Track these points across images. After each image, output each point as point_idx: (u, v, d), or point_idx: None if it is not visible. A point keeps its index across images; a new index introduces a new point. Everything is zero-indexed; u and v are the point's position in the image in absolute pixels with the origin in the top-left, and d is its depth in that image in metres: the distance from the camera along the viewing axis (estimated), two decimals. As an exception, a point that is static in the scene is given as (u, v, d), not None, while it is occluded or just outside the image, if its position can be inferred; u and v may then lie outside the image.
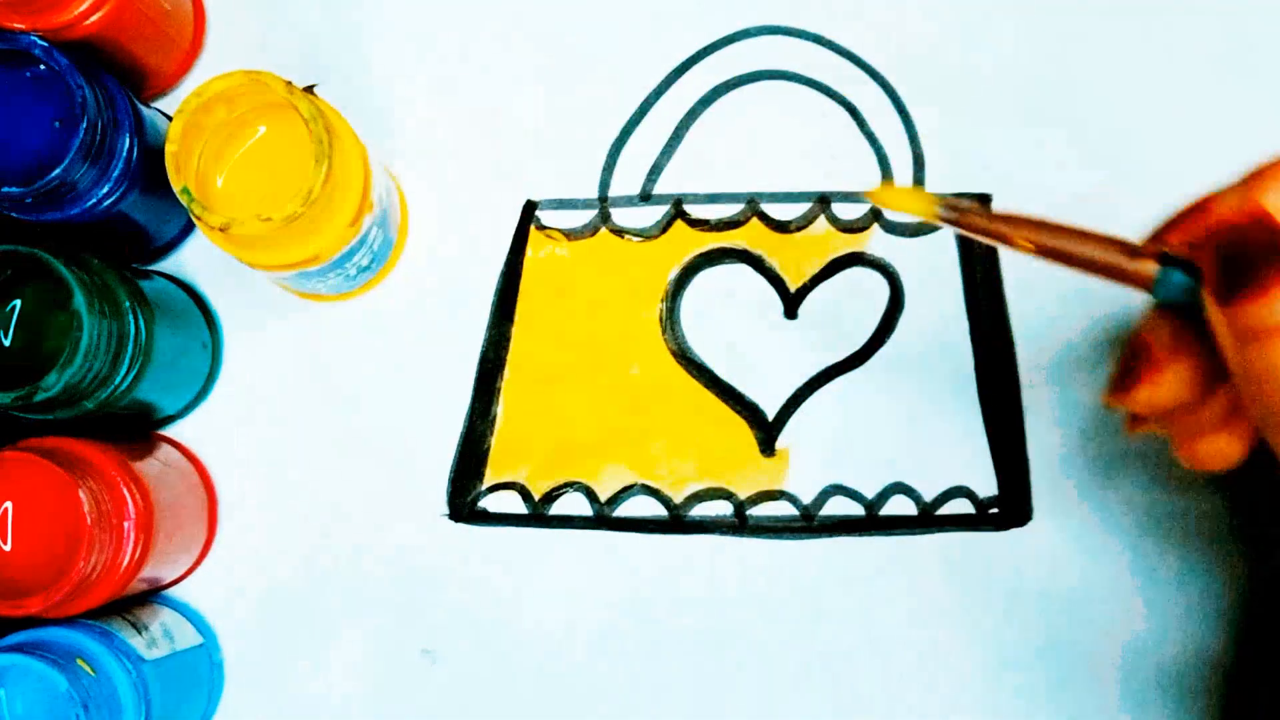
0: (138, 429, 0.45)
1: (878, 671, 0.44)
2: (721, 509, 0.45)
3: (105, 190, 0.40)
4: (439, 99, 0.47)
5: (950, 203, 0.34)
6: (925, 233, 0.46)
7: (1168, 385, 0.33)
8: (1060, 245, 0.33)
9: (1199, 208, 0.32)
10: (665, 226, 0.46)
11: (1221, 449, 0.33)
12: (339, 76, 0.46)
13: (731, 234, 0.46)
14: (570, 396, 0.46)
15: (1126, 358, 0.34)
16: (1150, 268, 0.31)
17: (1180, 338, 0.33)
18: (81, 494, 0.38)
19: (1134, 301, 0.45)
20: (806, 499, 0.45)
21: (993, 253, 0.46)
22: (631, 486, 0.45)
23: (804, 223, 0.46)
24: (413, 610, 0.45)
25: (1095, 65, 0.46)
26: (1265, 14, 0.46)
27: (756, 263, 0.46)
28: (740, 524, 0.45)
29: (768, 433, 0.45)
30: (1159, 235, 0.33)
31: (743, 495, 0.45)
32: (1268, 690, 0.37)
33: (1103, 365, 0.45)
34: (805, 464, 0.45)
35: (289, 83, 0.38)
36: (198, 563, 0.45)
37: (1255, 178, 0.30)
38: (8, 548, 0.39)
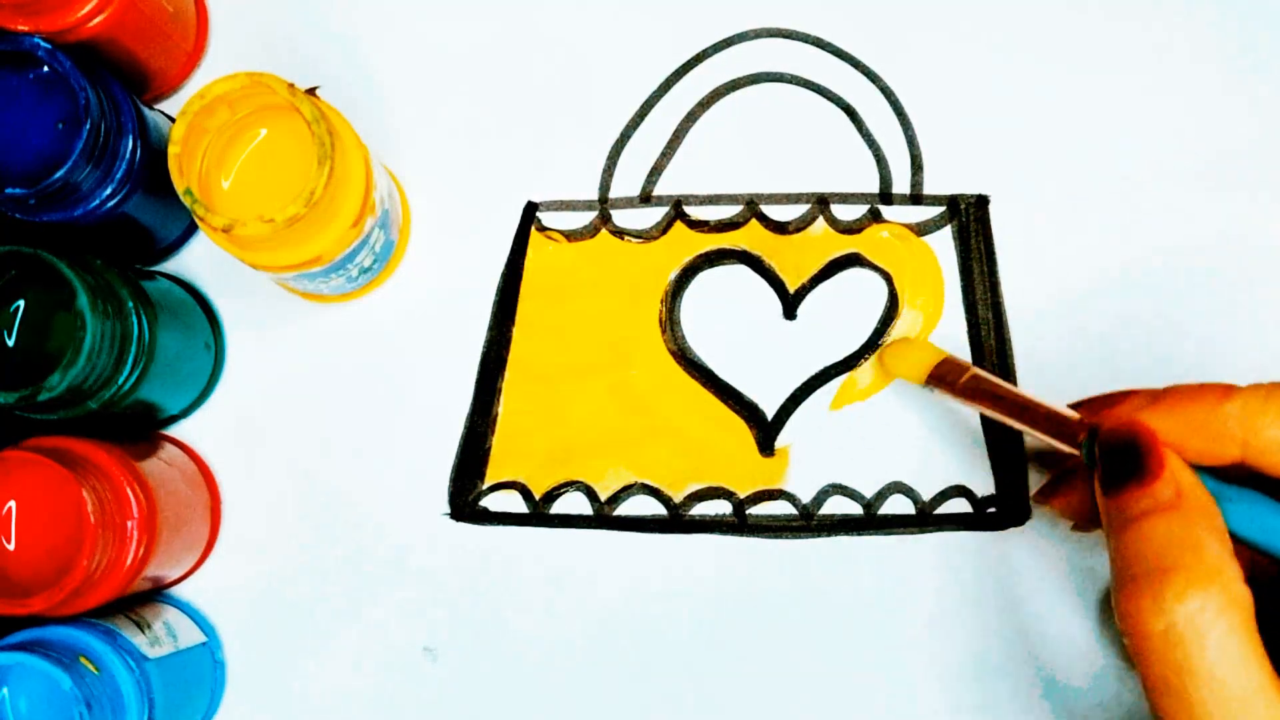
0: (141, 429, 0.45)
1: (877, 670, 0.45)
2: (721, 508, 0.45)
3: (108, 192, 0.40)
4: (440, 101, 0.47)
5: (937, 374, 0.43)
6: (923, 233, 0.46)
7: (1074, 506, 0.42)
8: (1011, 421, 0.40)
9: (1108, 401, 0.39)
10: (665, 228, 0.46)
11: None
12: (341, 78, 0.47)
13: (731, 235, 0.46)
14: (570, 396, 0.46)
15: (1053, 477, 0.43)
16: (1077, 440, 0.38)
17: (1088, 481, 0.41)
18: (85, 493, 0.38)
19: (1132, 303, 0.46)
20: (805, 498, 0.45)
21: (991, 253, 0.46)
22: (631, 486, 0.46)
23: (803, 224, 0.46)
24: (414, 609, 0.45)
25: (1094, 66, 0.47)
26: (1265, 15, 0.46)
27: (756, 264, 0.46)
28: (740, 523, 0.45)
29: (767, 432, 0.45)
30: (1079, 405, 0.41)
31: (742, 494, 0.45)
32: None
33: (1102, 365, 0.45)
34: (804, 463, 0.45)
35: (291, 84, 0.38)
36: (200, 561, 0.45)
37: (1153, 403, 0.36)
38: (11, 547, 0.39)
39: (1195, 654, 0.32)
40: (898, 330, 0.46)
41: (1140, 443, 0.35)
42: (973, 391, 0.41)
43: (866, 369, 0.45)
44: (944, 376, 0.42)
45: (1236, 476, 0.36)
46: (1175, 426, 0.36)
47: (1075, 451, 0.38)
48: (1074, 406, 0.40)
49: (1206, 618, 0.32)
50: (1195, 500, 0.34)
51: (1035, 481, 0.45)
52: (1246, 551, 0.36)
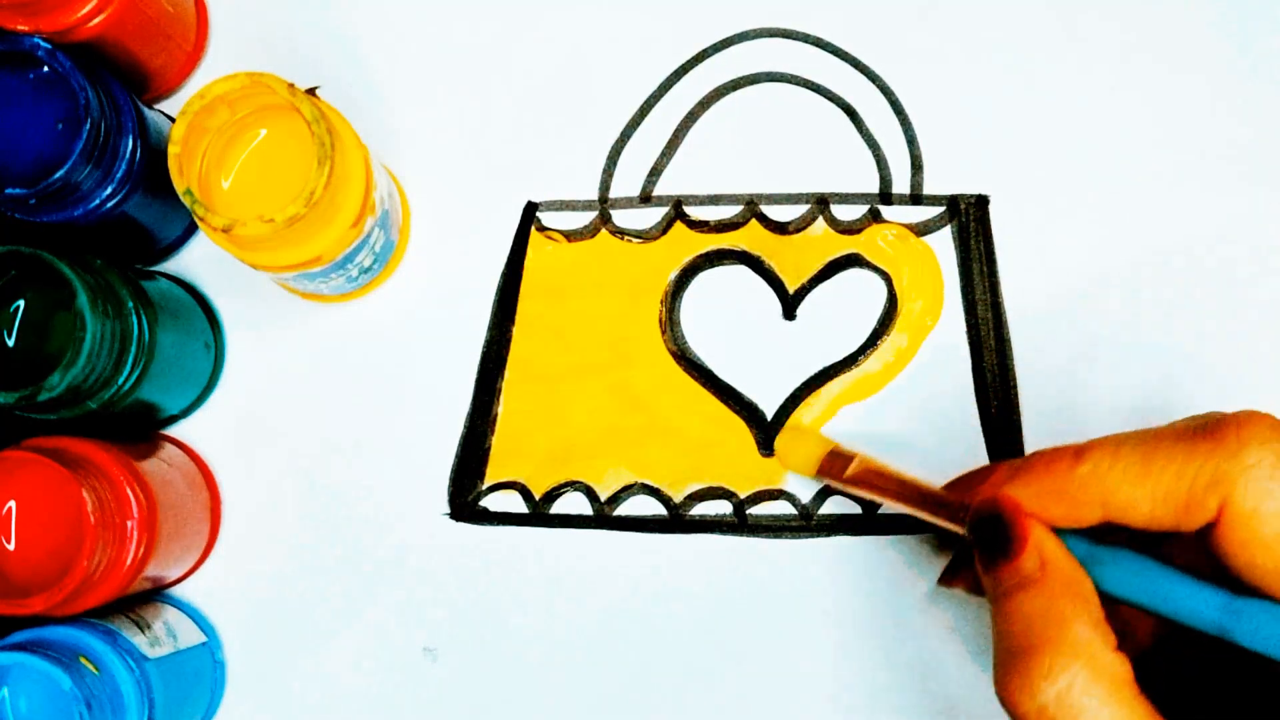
0: (141, 429, 0.45)
1: (876, 670, 0.45)
2: (721, 508, 0.45)
3: (108, 191, 0.40)
4: (441, 100, 0.47)
5: (825, 467, 0.43)
6: (923, 234, 0.46)
7: (974, 588, 0.42)
8: (902, 507, 0.40)
9: (978, 477, 0.39)
10: (665, 228, 0.46)
11: None
12: (341, 78, 0.47)
13: (731, 235, 0.46)
14: (570, 396, 0.46)
15: (956, 556, 0.44)
16: (962, 521, 0.38)
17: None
18: (85, 493, 0.38)
19: (1131, 303, 0.46)
20: (805, 498, 0.45)
21: (991, 254, 0.46)
22: (631, 486, 0.46)
23: (802, 224, 0.46)
24: (414, 609, 0.45)
25: (1094, 66, 0.47)
26: (1265, 15, 0.46)
27: (755, 264, 0.46)
28: (739, 523, 0.45)
29: (766, 432, 0.45)
30: (952, 485, 0.41)
31: (742, 494, 0.45)
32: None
33: (1101, 365, 0.45)
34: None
35: (291, 84, 0.38)
36: (200, 561, 0.45)
37: (1014, 475, 0.36)
38: (11, 547, 0.39)
39: None
40: (891, 339, 0.46)
41: (1005, 517, 0.35)
42: (859, 481, 0.41)
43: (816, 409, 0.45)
44: (830, 470, 0.42)
45: (1114, 531, 0.35)
46: (1036, 496, 0.35)
47: (962, 531, 0.38)
48: (947, 487, 0.40)
49: (1075, 694, 0.32)
50: (1059, 572, 0.34)
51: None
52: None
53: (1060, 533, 0.36)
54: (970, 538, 0.37)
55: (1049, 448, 0.36)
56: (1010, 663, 0.33)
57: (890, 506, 0.41)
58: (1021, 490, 0.36)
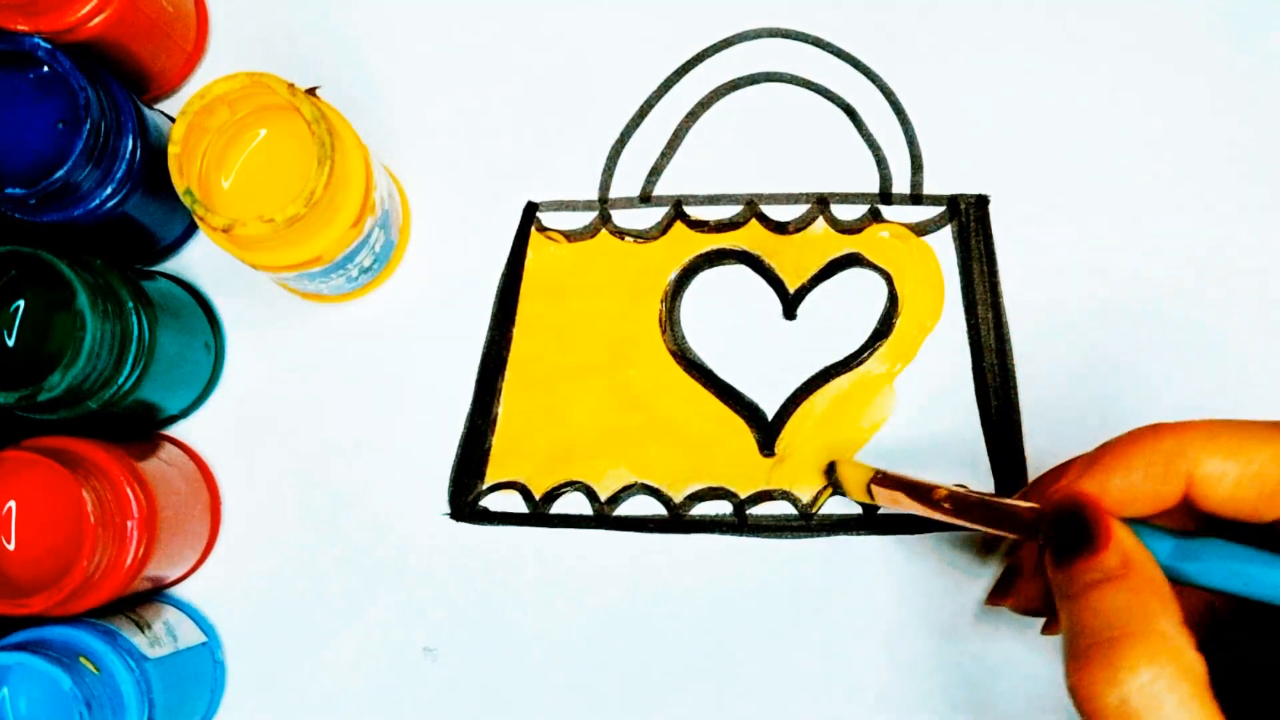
0: (141, 429, 0.45)
1: (876, 669, 0.45)
2: (721, 508, 0.45)
3: (108, 191, 0.40)
4: (441, 101, 0.47)
5: (878, 481, 0.42)
6: (923, 233, 0.46)
7: (1030, 599, 0.41)
8: (964, 521, 0.39)
9: (1053, 477, 0.39)
10: (665, 228, 0.46)
11: None
12: (341, 78, 0.47)
13: (731, 235, 0.46)
14: (570, 396, 0.46)
15: (1005, 573, 0.43)
16: (1029, 518, 0.37)
17: (1040, 567, 0.40)
18: (85, 493, 0.38)
19: (1131, 303, 0.46)
20: (805, 498, 0.45)
21: (990, 254, 0.46)
22: (631, 486, 0.46)
23: (803, 224, 0.46)
24: (414, 609, 0.45)
25: (1094, 66, 0.47)
26: (1265, 15, 0.47)
27: (755, 264, 0.46)
28: (740, 523, 0.45)
29: (767, 432, 0.45)
30: (1025, 493, 0.40)
31: (742, 494, 0.45)
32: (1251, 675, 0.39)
33: (1101, 365, 0.45)
34: (804, 463, 0.45)
35: (291, 84, 0.38)
36: (200, 561, 0.45)
37: (1092, 465, 0.36)
38: (11, 547, 0.39)
39: None
40: (891, 339, 0.46)
41: (1086, 514, 0.35)
42: (918, 494, 0.40)
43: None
44: (882, 488, 0.42)
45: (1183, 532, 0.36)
46: (1119, 481, 0.35)
47: (1036, 540, 0.37)
48: (1021, 495, 0.39)
49: (1159, 689, 0.31)
50: (1142, 569, 0.34)
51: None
52: (1197, 599, 0.36)
53: (1143, 534, 0.35)
54: (1043, 537, 0.36)
55: (1118, 435, 0.36)
56: (1090, 654, 0.33)
57: (942, 519, 0.39)
58: (1103, 479, 0.36)
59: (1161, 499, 0.35)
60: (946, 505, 0.39)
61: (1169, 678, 0.32)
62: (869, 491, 0.42)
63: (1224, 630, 0.37)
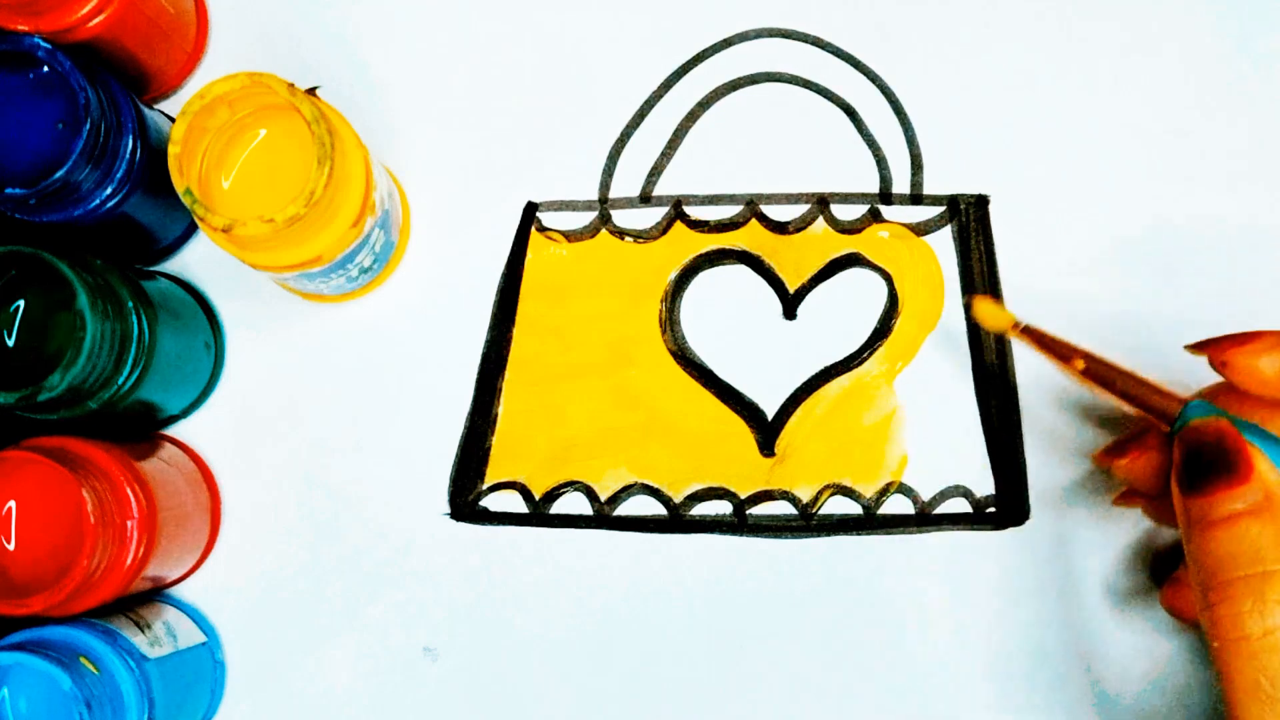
0: (141, 429, 0.45)
1: (876, 669, 0.45)
2: (721, 508, 0.45)
3: (108, 192, 0.40)
4: (441, 101, 0.47)
5: (1026, 326, 0.41)
6: (923, 233, 0.46)
7: (1141, 469, 0.40)
8: (1108, 374, 0.39)
9: (1235, 340, 0.38)
10: (665, 228, 0.46)
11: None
12: (341, 78, 0.47)
13: (731, 235, 0.46)
14: (570, 396, 0.46)
15: (1124, 437, 0.41)
16: (1173, 408, 0.38)
17: (1164, 449, 0.39)
18: (85, 493, 0.38)
19: (1131, 302, 0.46)
20: (805, 498, 0.45)
21: (990, 254, 0.46)
22: (631, 486, 0.46)
23: (803, 224, 0.46)
24: (414, 609, 0.45)
25: (1094, 66, 0.47)
26: (1265, 15, 0.47)
27: (755, 264, 0.46)
28: (739, 523, 0.45)
29: (766, 433, 0.45)
30: (1201, 345, 0.39)
31: (742, 495, 0.45)
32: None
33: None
34: (804, 463, 0.45)
35: (291, 84, 0.38)
36: (200, 561, 0.45)
37: (1249, 339, 0.36)
38: (11, 547, 0.39)
39: None
40: (891, 339, 0.46)
41: (1228, 444, 0.35)
42: (1069, 347, 0.40)
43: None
44: (1030, 330, 0.41)
45: None
46: (1269, 349, 0.35)
47: (1163, 426, 0.37)
48: (1195, 347, 0.39)
49: None
50: None
51: (1035, 482, 0.45)
52: None
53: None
54: (1177, 455, 0.36)
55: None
56: (1234, 587, 0.33)
57: (1078, 383, 0.40)
58: (1250, 347, 0.36)
59: None
60: (1084, 370, 0.39)
61: None
62: (1011, 331, 0.42)
63: None
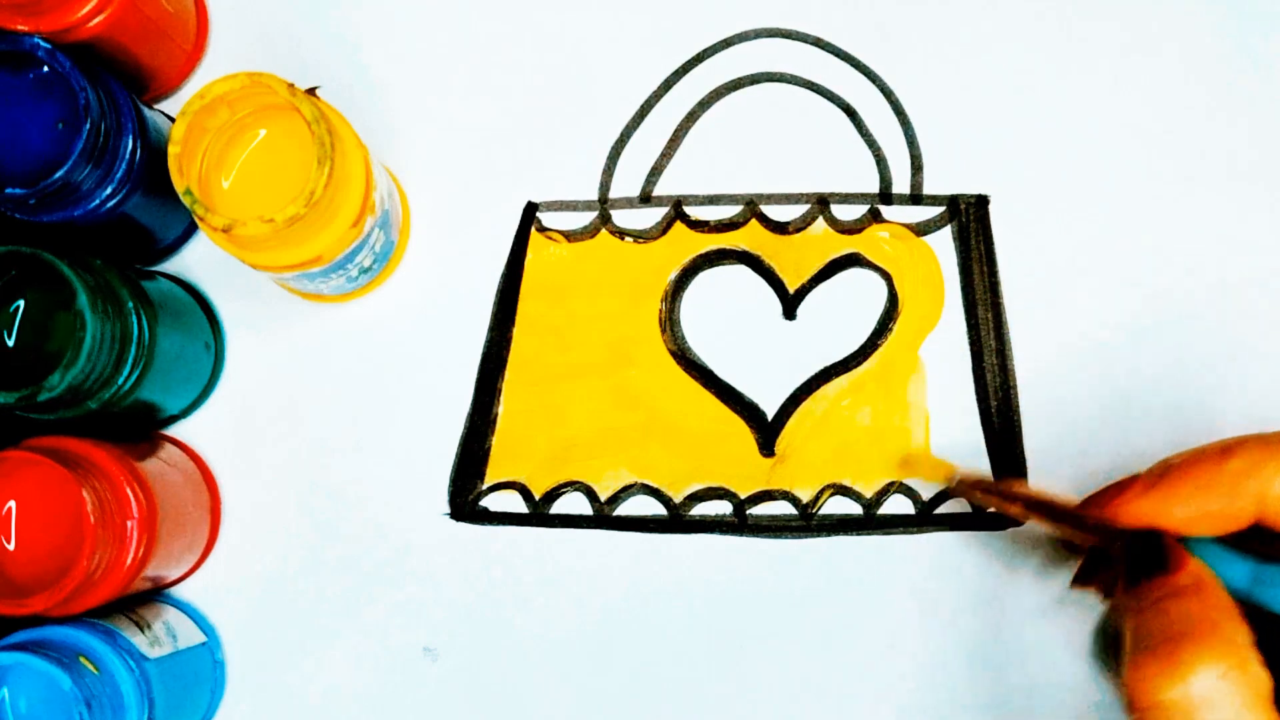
0: (141, 429, 0.45)
1: (875, 670, 0.45)
2: (721, 508, 0.45)
3: (108, 191, 0.40)
4: (441, 101, 0.47)
5: (961, 479, 0.43)
6: (923, 234, 0.46)
7: (1109, 588, 0.42)
8: (1043, 523, 0.40)
9: (1114, 492, 0.37)
10: (665, 228, 0.46)
11: None
12: (341, 79, 0.47)
13: (731, 235, 0.46)
14: (570, 396, 0.46)
15: (1083, 564, 0.43)
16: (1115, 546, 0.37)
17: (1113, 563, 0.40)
18: (85, 493, 0.38)
19: (1131, 303, 0.46)
20: (805, 498, 0.45)
21: (990, 254, 0.46)
22: (631, 486, 0.46)
23: (803, 224, 0.46)
24: (414, 609, 0.45)
25: (1094, 66, 0.47)
26: (1264, 15, 0.46)
27: (755, 264, 0.46)
28: (740, 523, 0.45)
29: (766, 433, 0.45)
30: (1085, 504, 0.39)
31: (742, 495, 0.45)
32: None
33: (1101, 365, 0.45)
34: (804, 463, 0.45)
35: (291, 84, 0.38)
36: (200, 561, 0.45)
37: (1155, 484, 0.35)
38: (11, 547, 0.39)
39: None
40: (891, 339, 0.46)
41: (1161, 540, 0.35)
42: (992, 492, 0.42)
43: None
44: (962, 484, 0.43)
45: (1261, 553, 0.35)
46: (1185, 503, 0.35)
47: (1092, 543, 0.38)
48: (1080, 507, 0.39)
49: (1222, 689, 0.31)
50: (1214, 589, 0.33)
51: (1035, 483, 0.45)
52: None
53: (1220, 557, 0.35)
54: (1119, 559, 0.36)
55: (1182, 452, 0.35)
56: (1152, 653, 0.32)
57: (1018, 518, 0.41)
58: (1166, 500, 0.35)
59: (1231, 520, 0.34)
60: (1022, 510, 0.40)
61: (1233, 681, 0.31)
62: (950, 487, 0.43)
63: None
